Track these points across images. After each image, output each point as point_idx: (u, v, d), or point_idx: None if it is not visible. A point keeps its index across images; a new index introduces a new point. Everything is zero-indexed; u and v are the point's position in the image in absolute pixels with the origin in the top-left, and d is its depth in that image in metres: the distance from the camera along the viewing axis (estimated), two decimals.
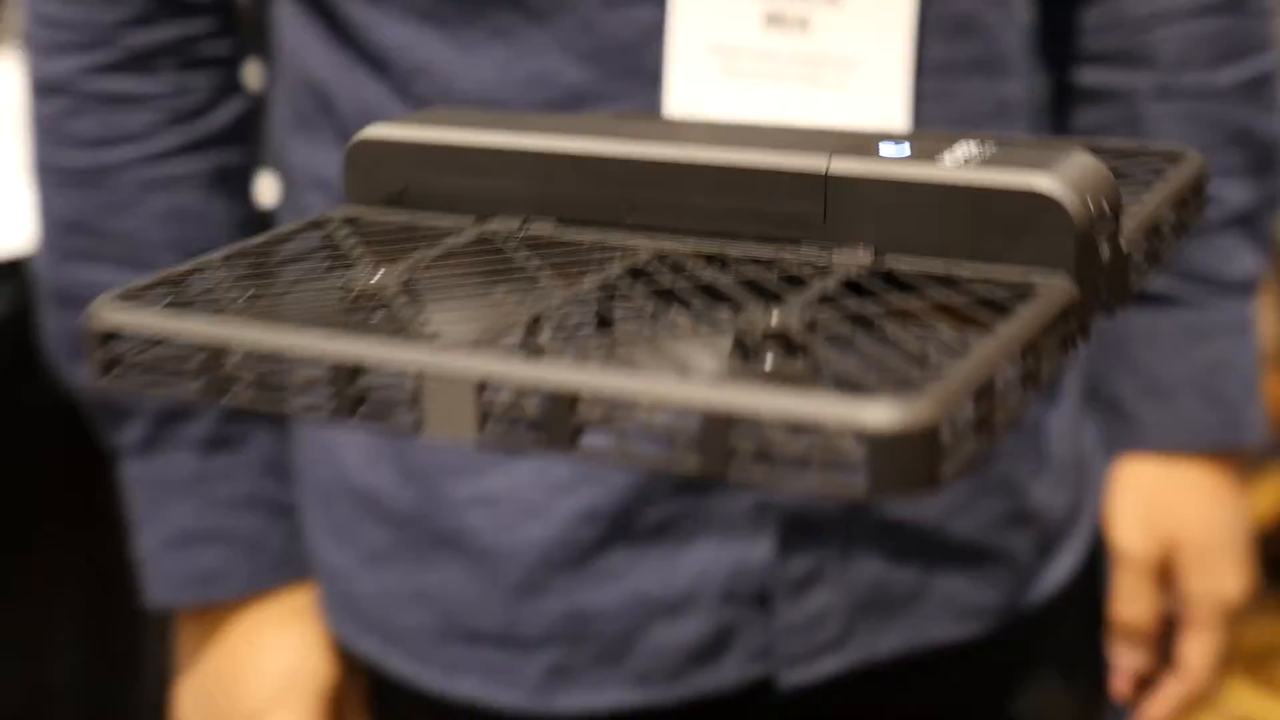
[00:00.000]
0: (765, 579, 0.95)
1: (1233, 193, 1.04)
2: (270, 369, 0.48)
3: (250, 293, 0.52)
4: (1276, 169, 1.06)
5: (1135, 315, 1.08)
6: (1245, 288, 1.07)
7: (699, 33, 0.85)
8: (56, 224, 0.97)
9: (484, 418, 0.47)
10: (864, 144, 0.54)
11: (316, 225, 0.58)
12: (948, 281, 0.51)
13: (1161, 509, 1.10)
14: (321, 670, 1.02)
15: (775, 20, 0.86)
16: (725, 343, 0.48)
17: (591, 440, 0.46)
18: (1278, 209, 1.08)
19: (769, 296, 0.51)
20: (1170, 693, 1.13)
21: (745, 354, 0.48)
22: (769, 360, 0.47)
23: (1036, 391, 0.48)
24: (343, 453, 0.97)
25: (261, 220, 1.01)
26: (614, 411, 0.45)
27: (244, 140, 1.00)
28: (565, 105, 0.87)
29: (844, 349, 0.48)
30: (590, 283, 0.52)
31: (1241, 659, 2.19)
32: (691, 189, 0.55)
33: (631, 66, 0.87)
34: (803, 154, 0.54)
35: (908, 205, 0.53)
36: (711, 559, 0.94)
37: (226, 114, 0.98)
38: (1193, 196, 0.61)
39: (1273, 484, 2.39)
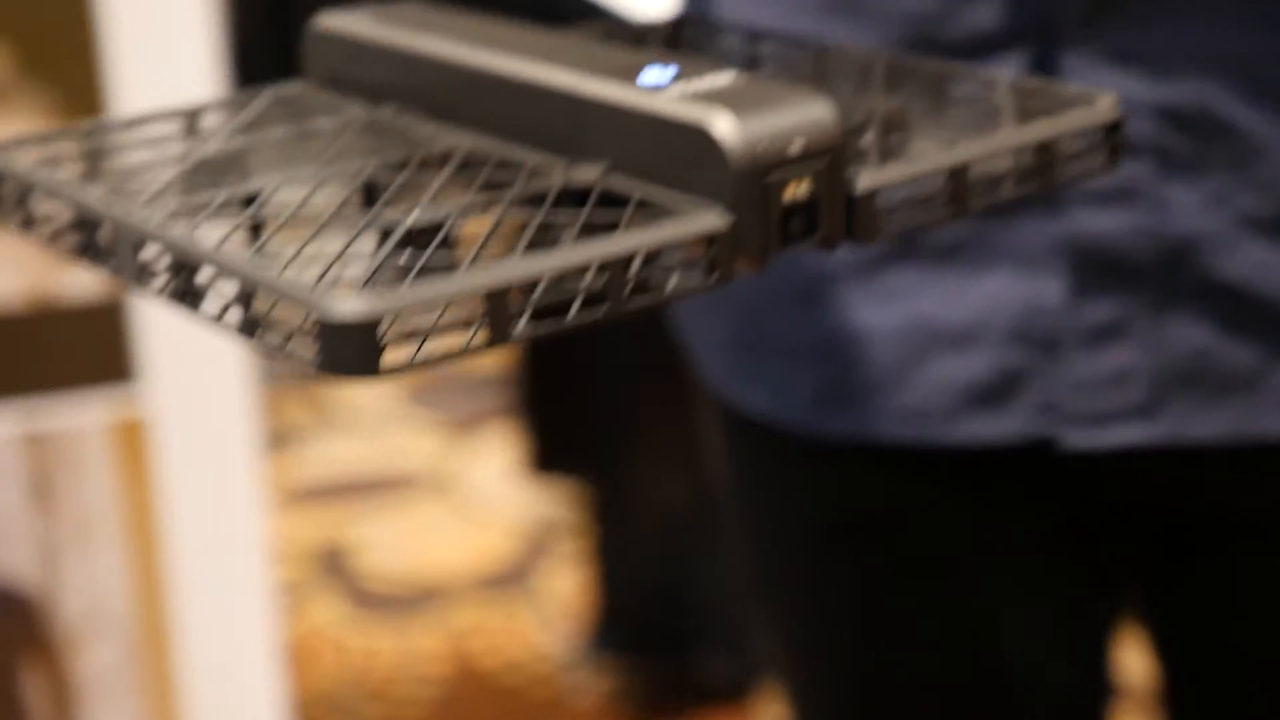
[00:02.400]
0: (1056, 323, 0.87)
1: None
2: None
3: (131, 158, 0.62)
4: None
5: None
6: None
7: None
8: None
9: (142, 270, 0.54)
10: (632, 67, 0.57)
11: (252, 96, 0.67)
12: (614, 201, 0.54)
13: None
14: None
15: None
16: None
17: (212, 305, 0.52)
18: None
19: (454, 192, 0.56)
20: None
21: (388, 240, 0.54)
22: (405, 253, 0.53)
23: (608, 312, 0.51)
24: None
25: None
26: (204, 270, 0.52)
27: None
28: None
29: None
30: (374, 162, 0.60)
31: None
32: (481, 93, 0.61)
33: None
34: (562, 72, 0.58)
35: (626, 130, 0.57)
36: (1002, 291, 0.87)
37: None
38: (1072, 142, 0.61)
39: None
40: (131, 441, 1.49)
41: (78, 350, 1.48)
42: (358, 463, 2.96)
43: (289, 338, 0.50)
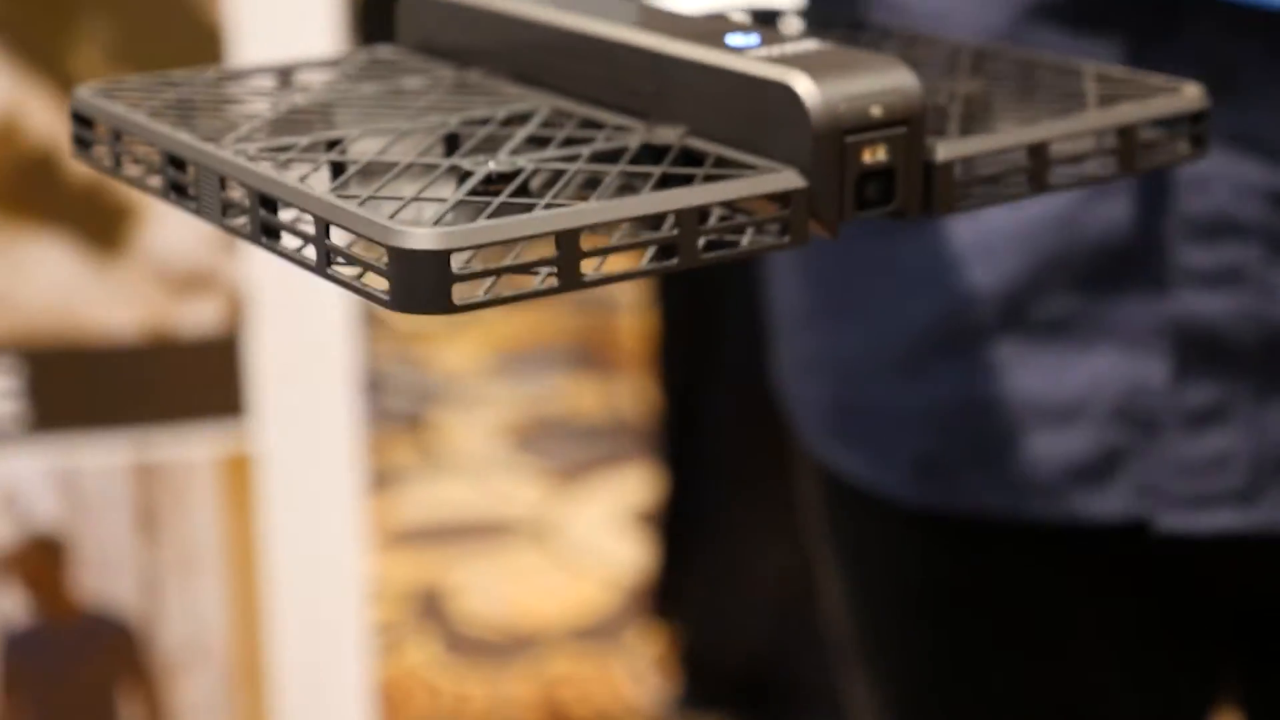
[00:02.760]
0: (1159, 404, 0.86)
1: None
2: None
3: (228, 104, 0.63)
4: None
5: None
6: None
7: None
8: None
9: (224, 208, 0.54)
10: (717, 32, 0.57)
11: (345, 57, 0.69)
12: (693, 160, 0.54)
13: None
14: None
15: None
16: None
17: (290, 242, 0.53)
18: None
19: (534, 146, 0.57)
20: None
21: (465, 184, 0.54)
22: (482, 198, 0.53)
23: (680, 262, 0.51)
24: None
25: None
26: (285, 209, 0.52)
27: None
28: None
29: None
30: (458, 117, 0.60)
31: None
32: (568, 55, 0.62)
33: None
34: (647, 33, 0.59)
35: (708, 88, 0.57)
36: (1106, 369, 0.86)
37: None
38: (1152, 130, 0.61)
39: None
40: (238, 475, 1.50)
41: (190, 383, 1.49)
42: (460, 506, 2.97)
43: (363, 272, 0.50)
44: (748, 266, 1.78)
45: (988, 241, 0.86)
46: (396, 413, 3.25)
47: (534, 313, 3.57)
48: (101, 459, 1.47)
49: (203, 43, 1.42)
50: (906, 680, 0.99)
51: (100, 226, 1.44)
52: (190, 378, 1.49)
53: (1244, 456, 0.85)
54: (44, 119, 1.41)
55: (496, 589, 2.71)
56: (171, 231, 1.43)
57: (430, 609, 2.65)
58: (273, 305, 1.46)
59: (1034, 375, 0.87)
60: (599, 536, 2.82)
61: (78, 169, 1.41)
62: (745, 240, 0.53)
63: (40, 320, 1.44)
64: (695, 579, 2.29)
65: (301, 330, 1.48)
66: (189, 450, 1.49)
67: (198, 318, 1.46)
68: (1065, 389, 0.87)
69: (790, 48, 0.56)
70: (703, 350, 2.23)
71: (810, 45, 0.57)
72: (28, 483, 1.46)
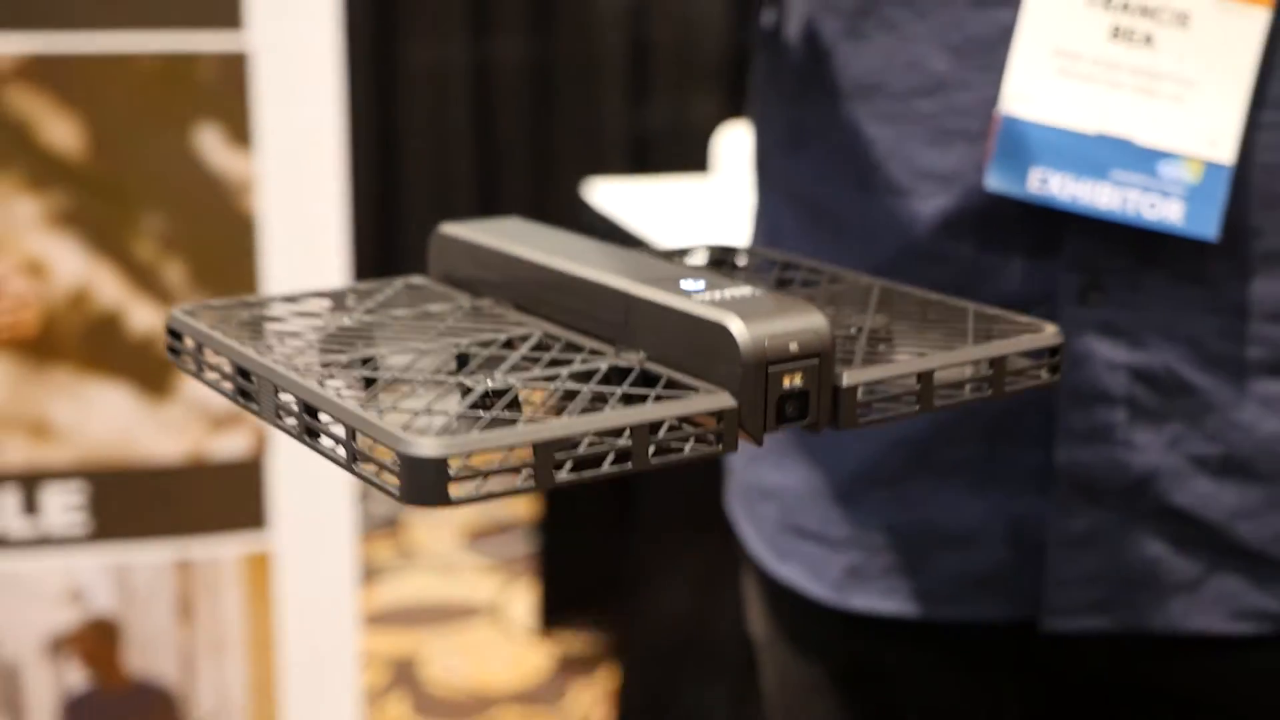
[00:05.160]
0: (1044, 532, 0.89)
1: None
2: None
3: (284, 328, 0.65)
4: None
5: None
6: None
7: (1046, 36, 0.81)
8: None
9: (278, 411, 0.55)
10: (673, 277, 0.57)
11: (386, 284, 0.71)
12: (648, 380, 0.54)
13: None
14: None
15: (1122, 34, 0.80)
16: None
17: (327, 442, 0.52)
18: None
19: (526, 365, 0.60)
20: None
21: (467, 399, 0.56)
22: (480, 410, 0.56)
23: (634, 467, 0.53)
24: None
25: None
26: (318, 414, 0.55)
27: None
28: (930, 90, 0.86)
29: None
30: (469, 339, 0.62)
31: None
32: (558, 292, 0.64)
33: (986, 62, 0.84)
34: (617, 277, 0.61)
35: (663, 323, 0.59)
36: (1000, 504, 0.90)
37: None
38: (1019, 361, 0.63)
39: None
40: (259, 571, 1.49)
41: (222, 498, 1.49)
42: (429, 592, 3.05)
43: (380, 471, 0.52)
44: None
45: None
46: (378, 517, 3.33)
47: None
48: (149, 557, 1.46)
49: (239, 229, 1.42)
50: None
51: (153, 375, 1.45)
52: (222, 493, 1.48)
53: (1110, 573, 0.90)
54: (110, 290, 1.43)
55: (457, 659, 2.77)
56: None
57: (404, 676, 2.73)
58: (289, 437, 1.45)
59: (941, 508, 0.92)
60: (538, 617, 2.95)
61: (137, 331, 1.41)
62: (687, 448, 0.53)
63: (103, 449, 1.44)
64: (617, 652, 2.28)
65: (312, 456, 1.47)
66: (219, 550, 1.48)
67: (229, 447, 1.46)
68: (966, 519, 0.91)
69: (729, 293, 0.59)
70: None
71: (744, 291, 0.59)
72: (90, 578, 1.45)
